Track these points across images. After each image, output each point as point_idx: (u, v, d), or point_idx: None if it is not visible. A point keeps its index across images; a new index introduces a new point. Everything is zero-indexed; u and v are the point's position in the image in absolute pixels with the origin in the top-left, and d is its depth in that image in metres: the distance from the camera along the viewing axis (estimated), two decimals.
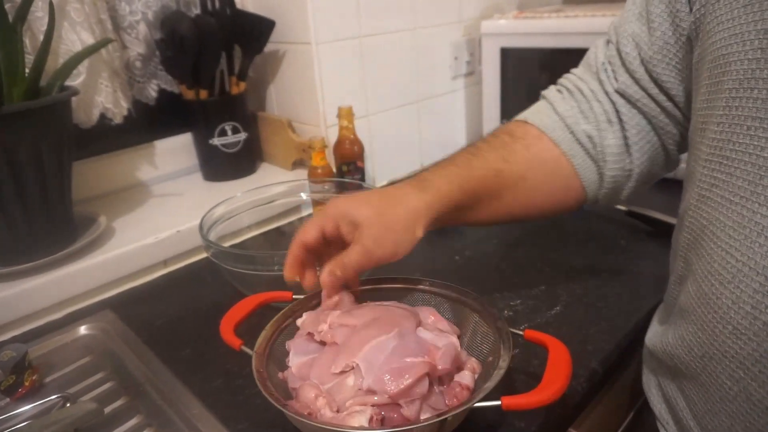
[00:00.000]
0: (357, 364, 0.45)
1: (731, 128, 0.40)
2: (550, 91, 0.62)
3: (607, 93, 0.56)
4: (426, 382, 0.44)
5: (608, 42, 0.57)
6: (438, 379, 0.47)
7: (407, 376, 0.43)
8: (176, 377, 0.61)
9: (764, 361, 0.39)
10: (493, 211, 0.58)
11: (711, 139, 0.43)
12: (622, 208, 0.88)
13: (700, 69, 0.45)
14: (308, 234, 0.52)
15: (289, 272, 0.53)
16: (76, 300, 0.77)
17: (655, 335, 0.55)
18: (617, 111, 0.55)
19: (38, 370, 0.62)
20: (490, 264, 0.79)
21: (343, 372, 0.45)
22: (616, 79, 0.55)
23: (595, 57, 0.59)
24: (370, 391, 0.43)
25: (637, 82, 0.53)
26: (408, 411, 0.42)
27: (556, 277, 0.74)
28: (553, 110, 0.59)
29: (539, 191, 0.58)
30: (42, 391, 0.61)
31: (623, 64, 0.54)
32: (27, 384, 0.60)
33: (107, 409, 0.57)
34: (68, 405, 0.58)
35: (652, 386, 0.57)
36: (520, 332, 0.51)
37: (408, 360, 0.44)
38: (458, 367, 0.49)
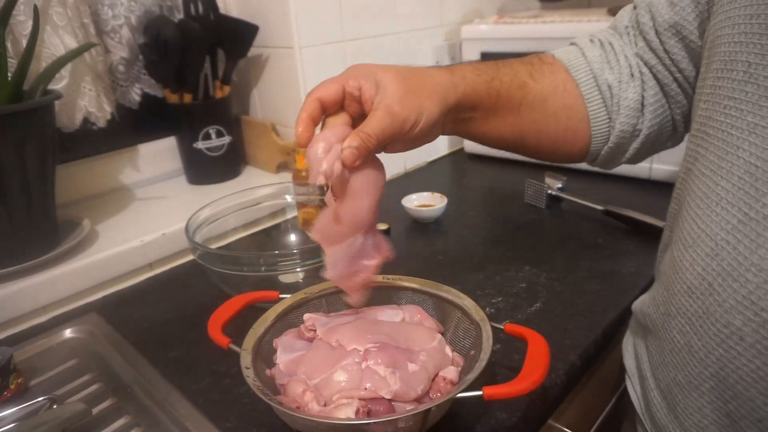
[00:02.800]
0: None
1: (713, 106, 0.43)
2: (582, 39, 0.62)
3: (630, 53, 0.57)
4: (420, 360, 0.47)
5: (634, 7, 0.58)
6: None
7: (402, 358, 0.46)
8: (163, 378, 0.61)
9: (705, 317, 0.42)
10: (506, 125, 0.56)
11: (698, 115, 0.46)
12: (599, 207, 0.91)
13: (704, 49, 0.47)
14: (327, 88, 0.47)
15: (303, 132, 0.45)
16: (61, 303, 0.77)
17: (639, 300, 0.59)
18: (640, 71, 0.56)
19: (23, 374, 0.62)
20: (472, 263, 0.81)
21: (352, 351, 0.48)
22: (635, 43, 0.57)
23: (621, 19, 0.60)
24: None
25: (652, 50, 0.55)
26: (414, 392, 0.45)
27: (536, 275, 0.76)
28: (581, 54, 0.59)
29: (554, 119, 0.57)
30: (28, 394, 0.61)
31: (641, 32, 0.56)
32: (12, 387, 0.60)
33: (95, 410, 0.58)
34: (55, 406, 0.58)
35: (628, 344, 0.61)
36: (501, 327, 0.53)
37: (399, 347, 0.48)
38: (443, 363, 0.51)
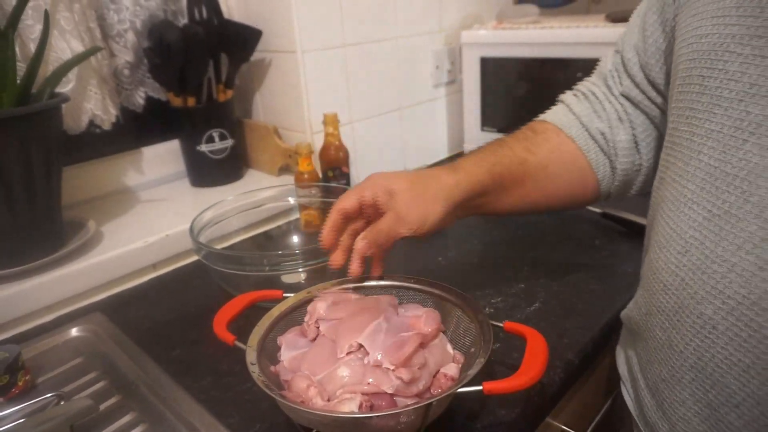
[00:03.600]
0: (361, 344, 0.49)
1: (678, 118, 0.47)
2: (567, 96, 0.68)
3: (615, 96, 0.63)
4: (422, 353, 0.49)
5: (616, 51, 0.64)
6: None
7: (406, 347, 0.48)
8: (168, 376, 0.62)
9: (680, 312, 0.45)
10: (517, 199, 0.62)
11: (668, 128, 0.50)
12: (597, 210, 0.92)
13: (672, 69, 0.51)
14: (348, 201, 0.57)
15: (327, 236, 0.57)
16: (67, 303, 0.78)
17: (626, 308, 0.61)
18: (626, 111, 0.61)
19: (30, 371, 0.63)
20: (471, 264, 0.82)
21: (349, 353, 0.49)
22: (621, 83, 0.62)
23: (604, 65, 0.65)
24: (377, 364, 0.48)
25: (637, 85, 0.59)
26: (416, 388, 0.47)
27: (534, 276, 0.77)
28: (569, 110, 0.65)
29: (559, 181, 0.63)
30: (35, 391, 0.62)
31: (626, 70, 0.61)
32: (20, 384, 0.61)
33: (102, 407, 0.59)
34: (62, 403, 0.59)
35: (620, 352, 0.63)
36: (500, 325, 0.54)
37: (402, 335, 0.50)
38: (445, 360, 0.52)
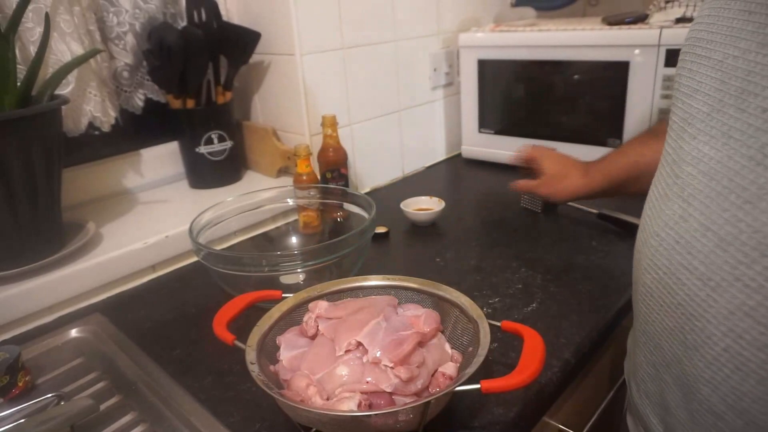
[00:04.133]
0: (360, 342, 0.50)
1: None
2: None
3: None
4: (421, 351, 0.50)
5: None
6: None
7: (404, 345, 0.49)
8: (168, 376, 0.63)
9: (637, 283, 0.51)
10: (638, 189, 0.73)
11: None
12: (593, 210, 0.93)
13: None
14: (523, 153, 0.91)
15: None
16: (67, 304, 0.79)
17: None
18: None
19: (30, 372, 0.64)
20: (469, 265, 0.83)
21: (347, 351, 0.50)
22: None
23: None
24: (375, 362, 0.48)
25: None
26: (414, 386, 0.48)
27: (532, 276, 0.77)
28: None
29: None
30: (35, 391, 0.63)
31: None
32: (21, 384, 0.61)
33: (102, 407, 0.59)
34: (63, 403, 0.59)
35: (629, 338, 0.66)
36: (498, 324, 0.54)
37: (401, 333, 0.51)
38: (443, 359, 0.52)
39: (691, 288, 0.42)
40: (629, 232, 0.87)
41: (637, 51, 0.98)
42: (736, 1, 0.40)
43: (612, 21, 1.06)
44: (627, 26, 1.03)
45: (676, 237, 0.44)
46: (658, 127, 0.76)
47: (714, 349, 0.41)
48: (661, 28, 0.96)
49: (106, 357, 0.68)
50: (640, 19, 1.04)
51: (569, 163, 0.85)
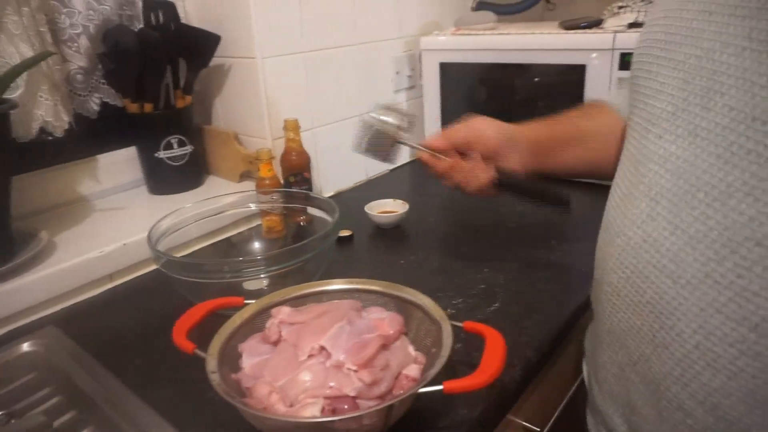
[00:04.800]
0: (323, 346, 0.50)
1: (629, 115, 0.52)
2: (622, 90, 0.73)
3: None
4: (385, 354, 0.51)
5: None
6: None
7: (368, 348, 0.50)
8: (126, 388, 0.61)
9: (600, 283, 0.52)
10: (580, 154, 0.70)
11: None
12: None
13: None
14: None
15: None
16: (18, 317, 0.75)
17: None
18: None
19: None
20: (433, 266, 0.83)
21: (310, 356, 0.50)
22: None
23: None
24: (339, 366, 0.48)
25: None
26: (378, 390, 0.48)
27: (494, 276, 0.79)
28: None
29: (608, 145, 0.67)
30: None
31: None
32: None
33: (56, 423, 0.57)
34: (13, 421, 0.57)
35: (587, 337, 0.66)
36: (460, 325, 0.55)
37: (364, 337, 0.51)
38: (406, 361, 0.53)
39: (660, 286, 0.43)
40: (576, 231, 0.89)
41: (594, 54, 1.01)
42: (693, 2, 0.41)
43: (568, 26, 1.09)
44: (582, 31, 1.06)
45: (643, 236, 0.44)
46: (592, 104, 0.73)
47: (684, 346, 0.41)
48: (615, 32, 0.99)
49: (60, 371, 0.65)
50: (595, 23, 1.07)
51: (505, 125, 0.72)
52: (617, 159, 0.67)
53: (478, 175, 0.70)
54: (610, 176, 0.70)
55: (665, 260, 0.42)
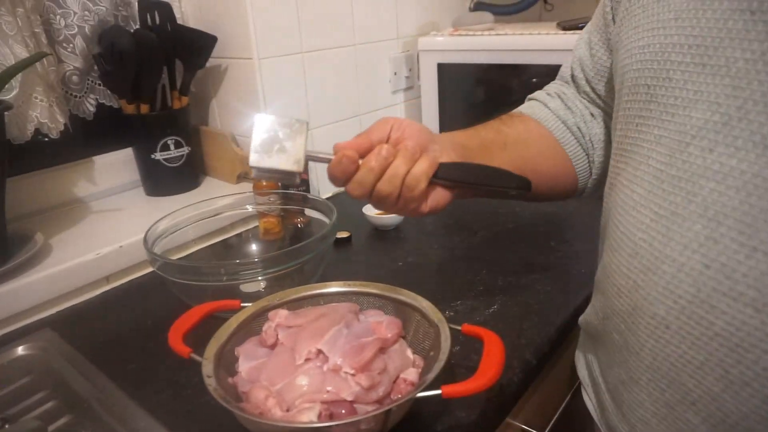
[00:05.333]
0: (320, 350, 0.49)
1: (627, 126, 0.48)
2: (539, 94, 0.70)
3: (581, 95, 0.65)
4: (383, 358, 0.50)
5: (573, 58, 0.66)
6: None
7: (365, 351, 0.49)
8: (122, 392, 0.60)
9: (634, 313, 0.46)
10: (506, 160, 0.60)
11: (617, 136, 0.51)
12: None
13: (615, 80, 0.52)
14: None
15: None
16: (13, 320, 0.75)
17: (583, 314, 0.62)
18: (592, 112, 0.64)
19: None
20: (431, 268, 0.83)
21: (307, 359, 0.49)
22: (577, 90, 0.65)
23: (565, 71, 0.68)
24: (336, 369, 0.48)
25: (591, 98, 0.63)
26: (375, 394, 0.47)
27: (493, 278, 0.78)
28: (544, 106, 0.66)
29: (541, 158, 0.63)
30: None
31: (575, 81, 0.65)
32: None
33: (51, 428, 0.57)
34: (7, 426, 0.57)
35: (580, 357, 0.64)
36: (458, 328, 0.54)
37: (362, 340, 0.50)
38: (404, 365, 0.52)
39: (737, 316, 0.38)
40: (575, 231, 0.89)
41: None
42: (719, 1, 0.37)
43: (566, 26, 1.09)
44: (581, 31, 1.05)
45: (704, 261, 0.40)
46: (513, 114, 0.68)
47: None
48: None
49: (55, 375, 0.65)
50: None
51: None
52: (546, 167, 0.63)
53: (420, 164, 0.53)
54: (537, 191, 0.60)
55: (741, 287, 0.38)
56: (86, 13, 0.95)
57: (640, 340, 0.46)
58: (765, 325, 0.37)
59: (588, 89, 0.63)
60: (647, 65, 0.44)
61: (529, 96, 0.71)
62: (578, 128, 0.64)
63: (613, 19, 0.53)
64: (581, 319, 0.62)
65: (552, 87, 0.69)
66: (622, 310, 0.48)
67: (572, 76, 0.65)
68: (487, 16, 1.28)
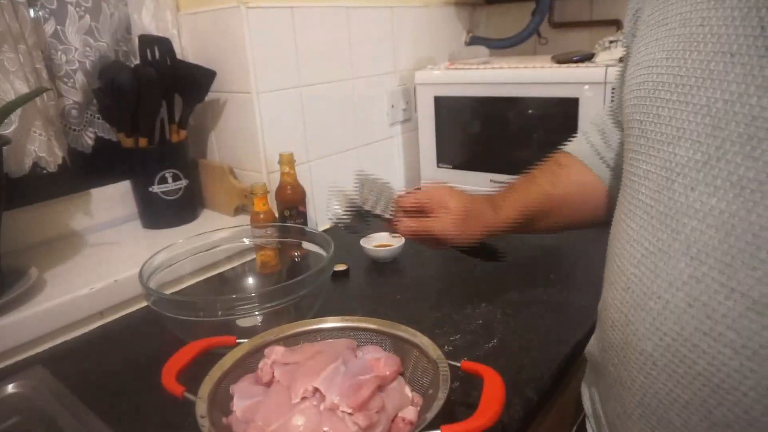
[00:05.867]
0: (317, 388, 0.48)
1: (624, 159, 0.50)
2: (589, 126, 0.72)
3: (618, 127, 0.66)
4: (381, 396, 0.49)
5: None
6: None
7: (363, 389, 0.48)
8: None
9: (626, 348, 0.46)
10: (546, 225, 0.70)
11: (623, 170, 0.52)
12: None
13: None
14: (407, 200, 0.68)
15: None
16: (4, 357, 0.73)
17: (588, 343, 0.62)
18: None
19: None
20: (429, 302, 0.82)
21: (304, 398, 0.48)
22: (614, 121, 0.67)
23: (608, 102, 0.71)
24: (333, 408, 0.47)
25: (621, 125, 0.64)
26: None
27: (492, 312, 0.77)
28: (587, 140, 0.70)
29: (579, 209, 0.69)
30: None
31: (612, 112, 0.67)
32: None
33: None
34: None
35: (585, 388, 0.63)
36: (458, 364, 0.53)
37: (360, 378, 0.49)
38: (403, 403, 0.51)
39: (717, 357, 0.38)
40: (575, 264, 0.88)
41: (586, 87, 1.02)
42: (705, 42, 0.38)
43: (561, 59, 1.10)
44: (575, 65, 1.07)
45: (687, 299, 0.39)
46: (559, 158, 0.71)
47: (755, 425, 0.37)
48: (607, 66, 1.00)
49: (45, 415, 0.63)
50: (587, 57, 1.08)
51: (471, 198, 0.68)
52: (585, 213, 0.69)
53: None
54: (576, 228, 0.70)
55: (721, 327, 0.37)
56: (87, 48, 0.97)
57: (632, 376, 0.45)
58: (743, 367, 0.36)
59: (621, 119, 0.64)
60: (641, 101, 0.44)
61: (581, 128, 0.74)
62: (616, 164, 0.66)
63: (629, 55, 0.55)
64: (586, 349, 0.62)
65: (598, 116, 0.71)
66: (616, 344, 0.47)
67: (611, 109, 0.67)
68: (483, 50, 1.31)
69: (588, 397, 0.61)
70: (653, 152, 0.43)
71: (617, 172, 0.65)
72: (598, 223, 0.69)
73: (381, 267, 0.96)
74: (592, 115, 1.02)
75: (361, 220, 0.68)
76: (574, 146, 0.71)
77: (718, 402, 0.38)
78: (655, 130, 0.43)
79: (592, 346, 0.59)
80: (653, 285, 0.42)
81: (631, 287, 0.45)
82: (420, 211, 0.66)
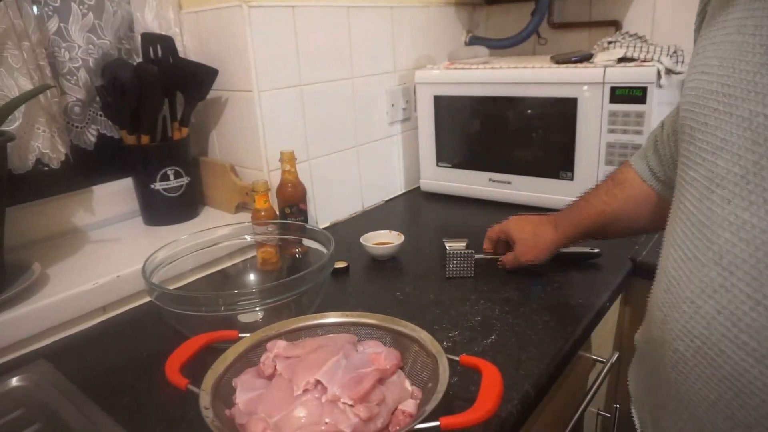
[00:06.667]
0: (319, 380, 0.49)
1: (678, 164, 0.50)
2: (650, 135, 0.74)
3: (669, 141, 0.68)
4: (381, 389, 0.50)
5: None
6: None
7: (364, 382, 0.49)
8: (118, 426, 0.59)
9: (663, 345, 0.48)
10: (605, 235, 0.79)
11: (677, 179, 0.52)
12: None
13: None
14: (491, 234, 0.91)
15: (486, 246, 0.92)
16: (8, 350, 0.74)
17: (638, 331, 0.63)
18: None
19: None
20: (428, 298, 0.83)
21: (305, 390, 0.49)
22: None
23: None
24: (334, 400, 0.48)
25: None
26: (374, 425, 0.47)
27: (490, 308, 0.78)
28: (644, 153, 0.73)
29: (634, 221, 0.75)
30: None
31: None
32: None
33: None
34: None
35: (631, 373, 0.64)
36: (456, 359, 0.54)
37: (361, 371, 0.51)
38: (403, 396, 0.52)
39: (740, 363, 0.39)
40: (583, 263, 0.89)
41: (585, 87, 1.03)
42: (753, 53, 0.38)
43: (560, 60, 1.11)
44: (574, 65, 1.08)
45: (717, 307, 0.41)
46: (617, 176, 0.76)
47: None
48: (605, 66, 1.01)
49: (49, 407, 0.64)
50: (586, 58, 1.09)
51: (537, 222, 0.84)
52: (639, 224, 0.74)
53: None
54: (632, 235, 0.81)
55: (745, 336, 0.39)
56: (90, 46, 0.98)
57: (666, 371, 0.47)
58: (763, 375, 0.38)
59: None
60: (692, 107, 0.45)
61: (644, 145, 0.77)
62: (667, 177, 0.68)
63: (695, 53, 0.55)
64: (635, 337, 0.63)
65: (657, 128, 0.72)
66: (655, 339, 0.50)
67: (675, 111, 0.68)
68: (482, 50, 1.31)
69: (633, 380, 0.63)
70: (699, 160, 0.43)
71: (668, 183, 0.68)
72: (657, 229, 0.69)
73: (381, 264, 0.97)
74: (590, 115, 1.04)
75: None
76: (635, 158, 0.75)
77: (740, 405, 0.40)
78: (702, 139, 0.43)
79: (638, 334, 0.61)
80: (687, 290, 0.44)
81: (670, 289, 0.46)
82: (504, 239, 0.88)
